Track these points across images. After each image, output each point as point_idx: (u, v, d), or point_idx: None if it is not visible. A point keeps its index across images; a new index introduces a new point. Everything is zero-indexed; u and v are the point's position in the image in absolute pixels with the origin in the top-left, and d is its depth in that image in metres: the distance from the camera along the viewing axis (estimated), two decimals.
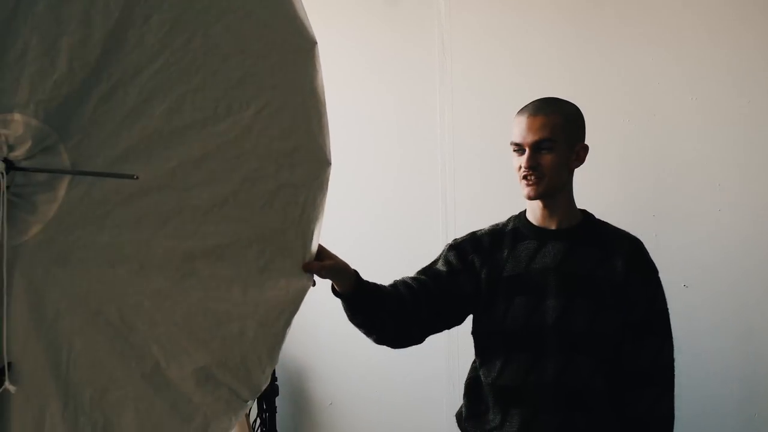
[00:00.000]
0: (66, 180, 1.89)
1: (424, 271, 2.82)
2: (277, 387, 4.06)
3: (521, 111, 2.74)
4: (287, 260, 2.20)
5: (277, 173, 2.15)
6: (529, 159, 2.65)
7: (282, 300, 2.19)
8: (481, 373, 2.77)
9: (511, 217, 2.91)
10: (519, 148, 2.68)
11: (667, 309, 2.73)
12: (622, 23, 3.38)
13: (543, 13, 3.59)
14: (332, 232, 4.09)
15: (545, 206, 2.75)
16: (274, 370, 3.98)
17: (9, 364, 1.83)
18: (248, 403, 2.17)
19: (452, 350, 3.70)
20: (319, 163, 2.23)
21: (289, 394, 4.28)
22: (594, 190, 3.21)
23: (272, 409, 4.07)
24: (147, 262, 1.99)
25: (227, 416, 2.12)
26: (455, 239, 2.90)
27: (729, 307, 3.20)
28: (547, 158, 2.66)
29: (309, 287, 2.26)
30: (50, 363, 1.90)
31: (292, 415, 4.32)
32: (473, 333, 2.81)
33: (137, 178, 1.85)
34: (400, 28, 3.98)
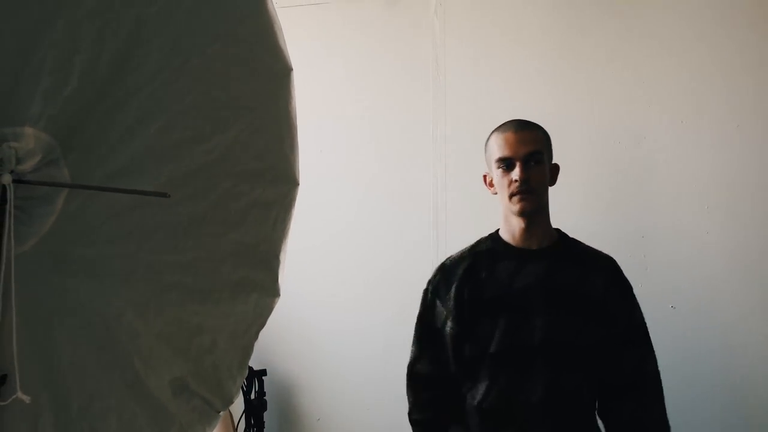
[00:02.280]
0: (64, 194, 1.92)
1: (431, 346, 2.78)
2: (265, 402, 4.03)
3: (504, 128, 2.72)
4: (259, 275, 2.29)
5: (251, 191, 2.24)
6: (523, 171, 2.63)
7: (252, 313, 2.28)
8: (468, 395, 2.72)
9: (481, 239, 2.86)
10: (507, 164, 2.66)
11: (645, 324, 2.74)
12: (613, 45, 3.45)
13: (534, 35, 3.60)
14: (325, 235, 4.12)
15: (528, 225, 2.72)
16: (263, 385, 4.02)
17: (4, 376, 1.85)
18: (220, 414, 2.24)
19: None
20: (290, 183, 2.33)
21: (278, 409, 4.25)
22: (583, 210, 3.32)
23: (260, 424, 4.03)
24: (132, 275, 2.05)
25: (201, 426, 2.19)
26: (430, 281, 2.85)
27: (716, 329, 3.22)
28: (537, 171, 2.66)
29: (276, 301, 2.35)
30: (42, 374, 1.92)
31: (280, 430, 4.29)
32: (456, 361, 2.74)
33: (169, 196, 1.90)
34: (394, 35, 4.00)
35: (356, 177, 4.02)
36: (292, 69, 2.29)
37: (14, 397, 1.80)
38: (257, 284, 2.29)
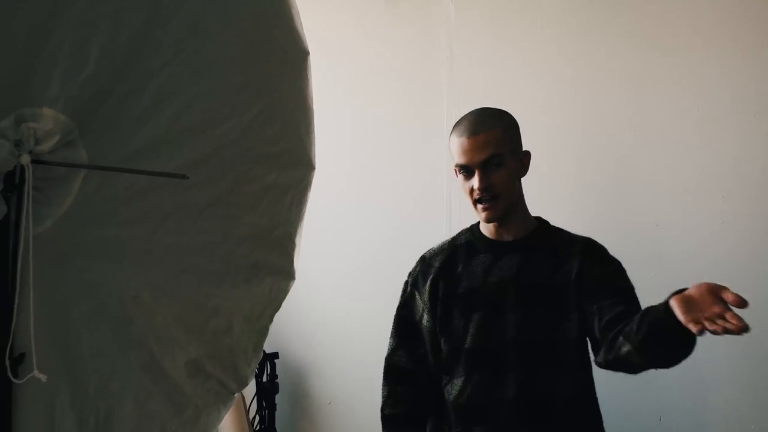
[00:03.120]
0: (81, 175, 1.93)
1: (408, 339, 2.70)
2: (277, 384, 4.06)
3: (457, 132, 2.58)
4: (274, 258, 2.30)
5: (267, 175, 2.24)
6: (482, 180, 2.50)
7: (267, 296, 2.30)
8: (445, 390, 2.64)
9: (463, 231, 2.77)
10: (466, 170, 2.53)
11: (633, 288, 2.52)
12: (629, 35, 3.34)
13: (550, 20, 3.50)
14: (338, 229, 4.13)
15: (500, 222, 2.61)
16: (275, 368, 4.04)
17: (22, 354, 1.86)
18: (235, 395, 2.26)
19: None
20: (305, 167, 2.34)
21: (289, 392, 4.25)
22: (596, 199, 3.25)
23: (272, 407, 4.08)
24: (148, 257, 2.06)
25: (217, 407, 2.21)
26: (410, 273, 2.76)
27: None
28: (498, 175, 2.52)
29: (291, 285, 2.36)
30: (60, 354, 1.94)
31: (292, 413, 4.30)
32: (434, 356, 2.66)
33: (188, 178, 1.91)
34: (406, 25, 3.94)
35: (372, 161, 4.02)
36: (308, 53, 2.29)
37: (31, 375, 1.81)
38: (273, 267, 2.30)
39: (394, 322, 2.76)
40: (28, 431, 1.89)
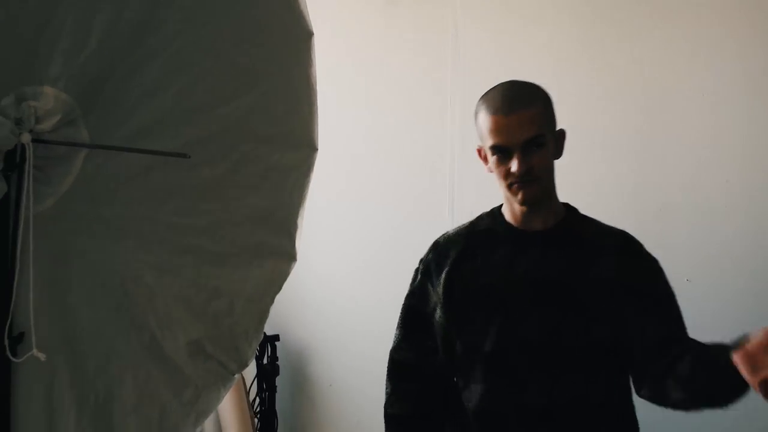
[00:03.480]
0: (82, 154, 1.92)
1: (417, 332, 2.47)
2: (278, 367, 4.06)
3: (490, 108, 2.29)
4: (276, 239, 2.29)
5: (270, 156, 2.23)
6: (522, 162, 2.23)
7: (268, 278, 2.29)
8: (462, 396, 2.41)
9: (483, 215, 2.47)
10: (502, 152, 2.26)
11: (673, 294, 2.32)
12: (637, 17, 3.21)
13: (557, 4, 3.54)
14: (341, 213, 4.11)
15: (531, 208, 2.34)
16: (275, 350, 4.04)
17: (21, 333, 1.86)
18: (235, 376, 2.26)
19: None
20: (308, 149, 2.33)
21: (290, 375, 4.25)
22: (602, 182, 3.19)
23: (272, 389, 4.09)
24: (150, 237, 2.05)
25: (216, 388, 2.20)
26: (422, 260, 2.50)
27: (733, 302, 3.05)
28: (539, 157, 2.25)
29: (293, 266, 2.36)
30: (59, 333, 1.94)
31: (292, 396, 4.30)
32: (446, 353, 2.42)
33: (189, 157, 1.90)
34: (412, 18, 3.86)
35: (374, 145, 4.00)
36: (312, 33, 2.27)
37: (30, 354, 1.81)
38: (274, 249, 2.29)
39: (401, 312, 2.55)
40: (26, 410, 1.89)
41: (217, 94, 2.10)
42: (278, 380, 4.16)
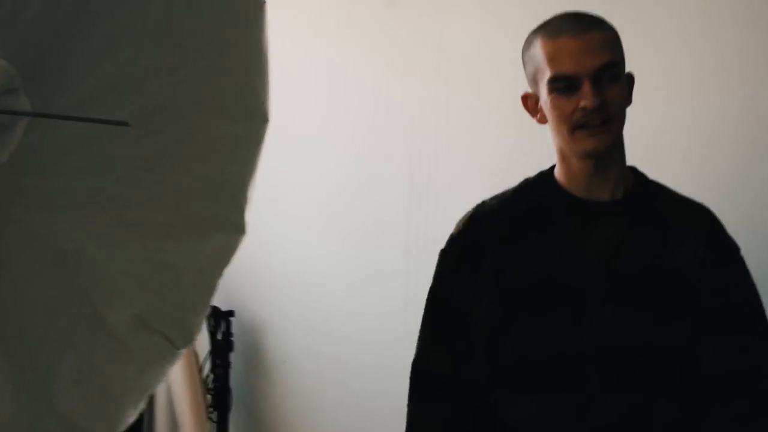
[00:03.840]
0: (23, 124, 1.86)
1: (450, 335, 2.04)
2: (232, 343, 4.04)
3: (552, 31, 1.93)
4: (224, 212, 2.24)
5: (220, 126, 2.18)
6: (596, 94, 1.84)
7: (216, 251, 2.24)
8: (506, 415, 1.98)
9: (528, 181, 2.07)
10: (568, 84, 1.87)
11: (758, 298, 1.98)
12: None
13: None
14: (300, 174, 4.06)
15: (597, 169, 1.93)
16: (230, 325, 4.00)
17: None
18: (181, 351, 2.22)
19: (410, 310, 3.65)
20: (260, 120, 2.28)
21: (244, 351, 4.22)
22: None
23: (226, 365, 4.06)
24: (93, 209, 2.00)
25: (161, 363, 2.16)
26: (452, 239, 2.06)
27: None
28: (614, 92, 1.89)
29: (242, 239, 2.31)
30: None
31: (246, 372, 4.28)
32: (486, 360, 2.01)
33: (129, 125, 1.85)
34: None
35: (332, 116, 3.96)
36: (265, 1, 2.23)
37: None
38: (223, 221, 2.25)
39: (426, 309, 2.12)
40: None
41: (165, 63, 2.04)
42: (232, 356, 4.14)
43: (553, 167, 2.03)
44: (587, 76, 1.86)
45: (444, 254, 2.08)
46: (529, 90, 2.02)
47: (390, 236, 3.59)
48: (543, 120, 1.98)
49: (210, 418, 4.05)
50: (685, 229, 1.99)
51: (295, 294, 4.11)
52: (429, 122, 3.56)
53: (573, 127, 1.88)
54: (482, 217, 2.06)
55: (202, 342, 4.06)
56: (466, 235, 2.06)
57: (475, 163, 3.33)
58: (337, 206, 3.91)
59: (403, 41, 3.68)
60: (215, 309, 3.94)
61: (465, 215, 2.09)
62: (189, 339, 2.23)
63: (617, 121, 1.91)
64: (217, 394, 4.06)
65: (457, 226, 2.09)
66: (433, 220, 3.42)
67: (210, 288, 2.26)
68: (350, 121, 3.90)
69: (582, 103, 1.85)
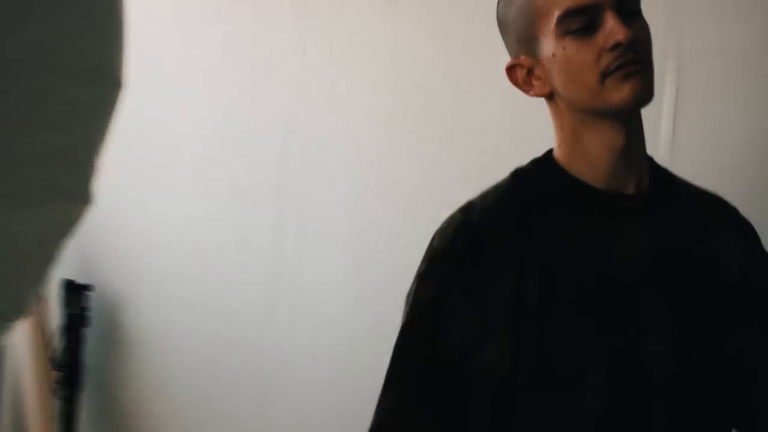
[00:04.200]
0: None
1: (435, 394, 1.54)
2: (87, 317, 3.91)
3: None
4: (69, 180, 2.14)
5: (68, 90, 2.08)
6: (625, 25, 1.49)
7: (57, 221, 2.15)
8: None
9: (527, 169, 1.69)
10: (585, 20, 1.51)
11: None
12: None
13: None
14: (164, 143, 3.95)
15: (629, 143, 1.55)
16: (86, 300, 3.85)
17: None
18: (11, 323, 2.12)
19: (278, 282, 3.52)
20: (113, 85, 2.18)
21: (101, 326, 4.10)
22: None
23: (79, 339, 3.96)
24: None
25: None
26: (433, 255, 1.58)
27: None
28: (643, 27, 1.57)
29: (87, 209, 2.22)
30: None
31: (103, 348, 4.18)
32: (494, 424, 1.55)
33: None
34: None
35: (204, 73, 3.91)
36: None
37: None
38: (67, 190, 2.14)
39: (396, 358, 1.61)
40: None
41: (10, 21, 1.94)
42: (89, 332, 4.07)
43: (549, 154, 1.70)
44: (609, 5, 1.53)
45: (419, 280, 1.59)
46: (515, 59, 1.66)
47: (261, 201, 3.56)
48: (541, 91, 1.66)
49: (61, 396, 3.94)
50: (715, 221, 1.75)
51: (159, 270, 4.05)
52: (306, 85, 3.54)
53: (602, 75, 1.52)
54: (479, 224, 1.61)
55: (54, 315, 3.97)
56: (460, 249, 1.62)
57: (352, 128, 3.32)
58: (203, 169, 3.87)
59: None
60: (70, 282, 3.83)
61: (450, 223, 1.65)
62: (22, 311, 2.13)
63: (651, 64, 1.53)
64: (68, 369, 3.95)
65: (442, 238, 1.64)
66: (306, 182, 3.41)
67: (47, 259, 2.16)
68: (222, 80, 3.86)
69: (614, 38, 1.47)
